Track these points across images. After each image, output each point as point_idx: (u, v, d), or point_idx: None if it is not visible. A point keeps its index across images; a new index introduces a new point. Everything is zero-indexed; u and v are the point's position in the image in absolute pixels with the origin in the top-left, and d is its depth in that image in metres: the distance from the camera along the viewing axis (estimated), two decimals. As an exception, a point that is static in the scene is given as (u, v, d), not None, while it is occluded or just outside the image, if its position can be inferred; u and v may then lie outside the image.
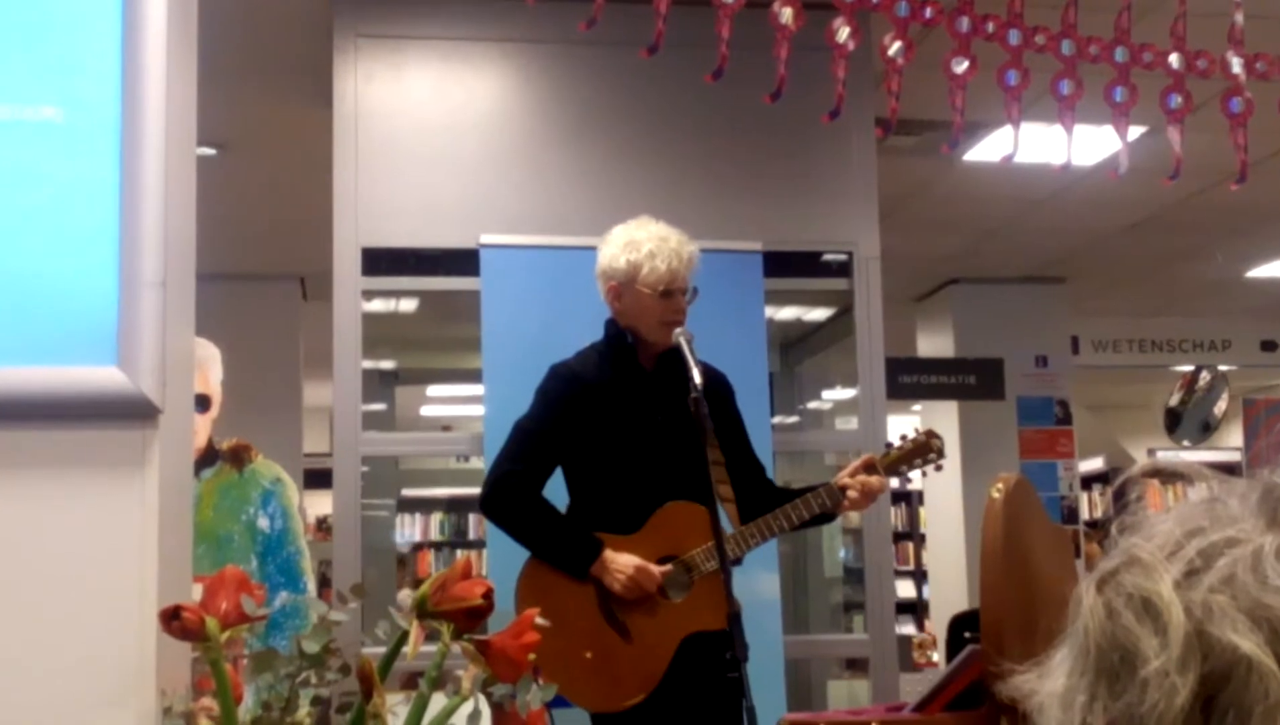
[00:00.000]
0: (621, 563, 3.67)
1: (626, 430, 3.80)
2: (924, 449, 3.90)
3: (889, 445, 3.95)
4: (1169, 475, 0.99)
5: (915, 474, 4.00)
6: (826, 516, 3.88)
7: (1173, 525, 0.87)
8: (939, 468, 3.95)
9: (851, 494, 3.79)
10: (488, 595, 1.87)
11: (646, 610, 3.71)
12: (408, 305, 6.45)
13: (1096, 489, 13.49)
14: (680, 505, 3.73)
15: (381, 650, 1.93)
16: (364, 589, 2.05)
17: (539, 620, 1.94)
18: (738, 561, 3.70)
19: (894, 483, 4.04)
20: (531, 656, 1.91)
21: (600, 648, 3.68)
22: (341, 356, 4.97)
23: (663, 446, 3.77)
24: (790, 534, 4.09)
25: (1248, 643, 0.79)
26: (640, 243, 3.81)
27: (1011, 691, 0.93)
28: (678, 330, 3.70)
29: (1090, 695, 0.84)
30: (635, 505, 3.76)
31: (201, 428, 4.38)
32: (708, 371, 3.90)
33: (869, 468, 3.84)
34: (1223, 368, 11.65)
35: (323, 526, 11.19)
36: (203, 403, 4.38)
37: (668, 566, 3.72)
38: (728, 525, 3.68)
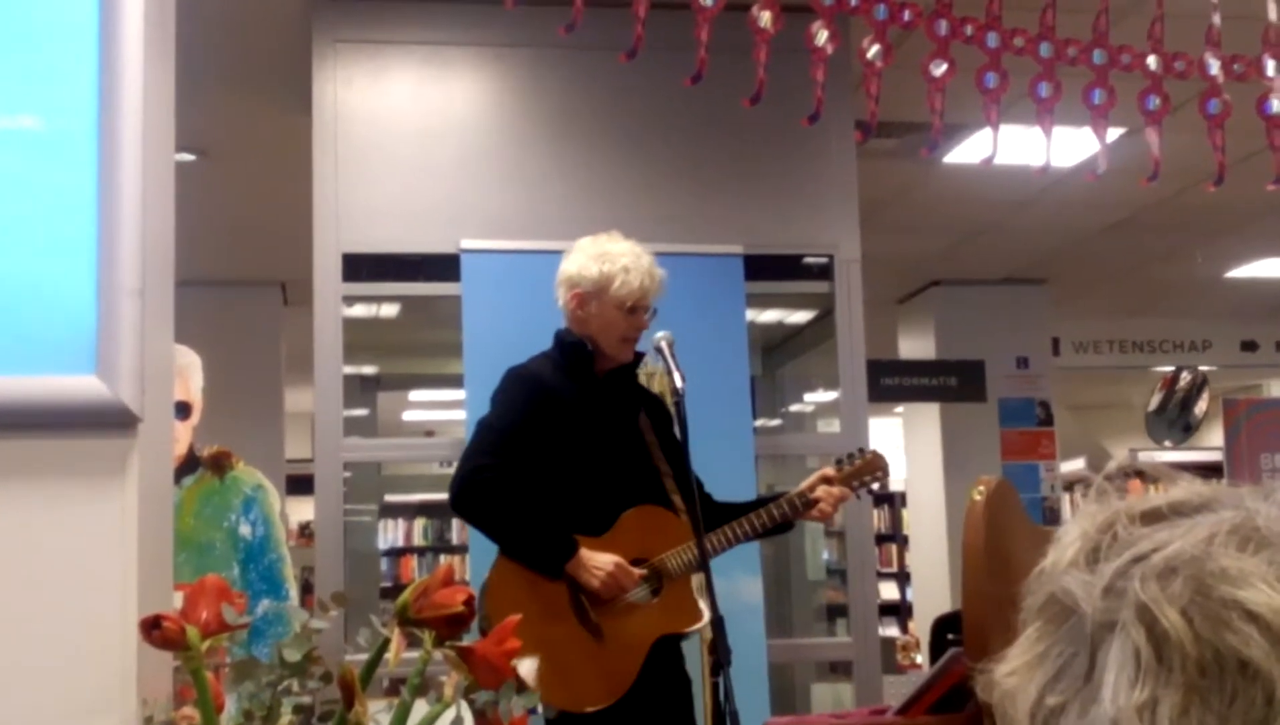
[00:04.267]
0: (600, 560, 3.67)
1: (587, 436, 3.80)
2: (872, 467, 3.97)
3: (839, 461, 3.99)
4: (1145, 476, 0.98)
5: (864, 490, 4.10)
6: (784, 526, 3.92)
7: (1228, 532, 0.84)
8: (883, 487, 4.12)
9: (823, 507, 3.86)
10: (469, 602, 1.87)
11: (619, 612, 3.70)
12: (389, 310, 6.44)
13: (1078, 490, 13.51)
14: (647, 509, 3.75)
15: (363, 658, 1.93)
16: (346, 597, 2.04)
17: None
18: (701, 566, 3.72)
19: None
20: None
21: (572, 648, 3.67)
22: (323, 362, 4.96)
23: (619, 455, 3.80)
24: (763, 539, 4.12)
25: None
26: (615, 256, 3.82)
27: (985, 689, 0.91)
28: (659, 334, 3.71)
29: (1182, 710, 0.80)
30: (596, 511, 3.76)
31: (182, 435, 4.37)
32: (647, 393, 3.97)
33: (828, 479, 3.90)
34: (1203, 368, 11.70)
35: (305, 533, 11.18)
36: (183, 410, 4.37)
37: (642, 570, 3.72)
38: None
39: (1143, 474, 0.98)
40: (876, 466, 3.97)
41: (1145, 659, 0.81)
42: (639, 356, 3.93)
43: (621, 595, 3.70)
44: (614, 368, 3.88)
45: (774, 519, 3.81)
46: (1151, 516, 0.88)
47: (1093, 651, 0.84)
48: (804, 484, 3.88)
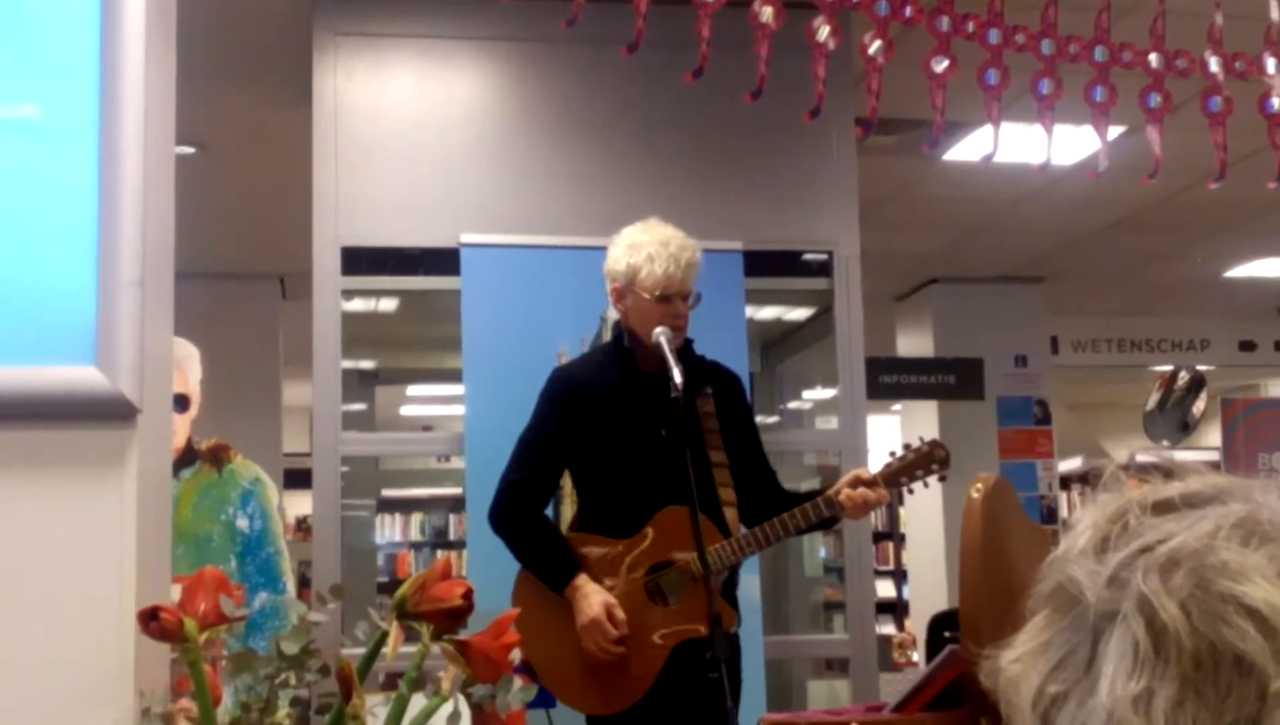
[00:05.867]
0: (589, 604, 3.65)
1: (624, 433, 3.78)
2: (926, 459, 3.82)
3: (891, 454, 3.87)
4: (1162, 470, 0.97)
5: (917, 485, 3.90)
6: (826, 522, 3.84)
7: (1232, 526, 0.84)
8: (943, 478, 3.84)
9: (849, 510, 3.74)
10: (467, 596, 1.87)
11: (641, 616, 3.69)
12: (388, 305, 6.44)
13: (1075, 489, 13.53)
14: (676, 510, 3.68)
15: (361, 651, 1.93)
16: (343, 590, 2.04)
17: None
18: (735, 567, 3.69)
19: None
20: (515, 656, 1.91)
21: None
22: (321, 356, 4.95)
23: (662, 449, 3.71)
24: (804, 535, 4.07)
25: None
26: (642, 246, 3.79)
27: (989, 673, 0.91)
28: (657, 329, 3.68)
29: (1175, 703, 0.80)
30: (634, 508, 3.74)
31: (180, 428, 4.37)
32: (718, 371, 3.92)
33: (857, 482, 3.76)
34: (1201, 368, 11.70)
35: (302, 527, 11.17)
36: (182, 402, 4.37)
37: (623, 632, 3.69)
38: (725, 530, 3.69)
39: (1161, 469, 0.97)
40: (933, 458, 3.81)
41: (1144, 650, 0.82)
42: (689, 342, 3.86)
43: (638, 604, 3.69)
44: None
45: (809, 521, 3.73)
46: (1163, 507, 0.88)
47: (1094, 641, 0.84)
48: (836, 485, 3.79)
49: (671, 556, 3.71)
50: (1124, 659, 0.83)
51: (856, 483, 3.76)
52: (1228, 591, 0.81)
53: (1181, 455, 12.04)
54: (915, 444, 3.86)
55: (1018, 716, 0.88)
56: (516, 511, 3.80)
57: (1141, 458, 12.40)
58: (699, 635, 3.63)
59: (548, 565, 3.75)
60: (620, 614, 3.65)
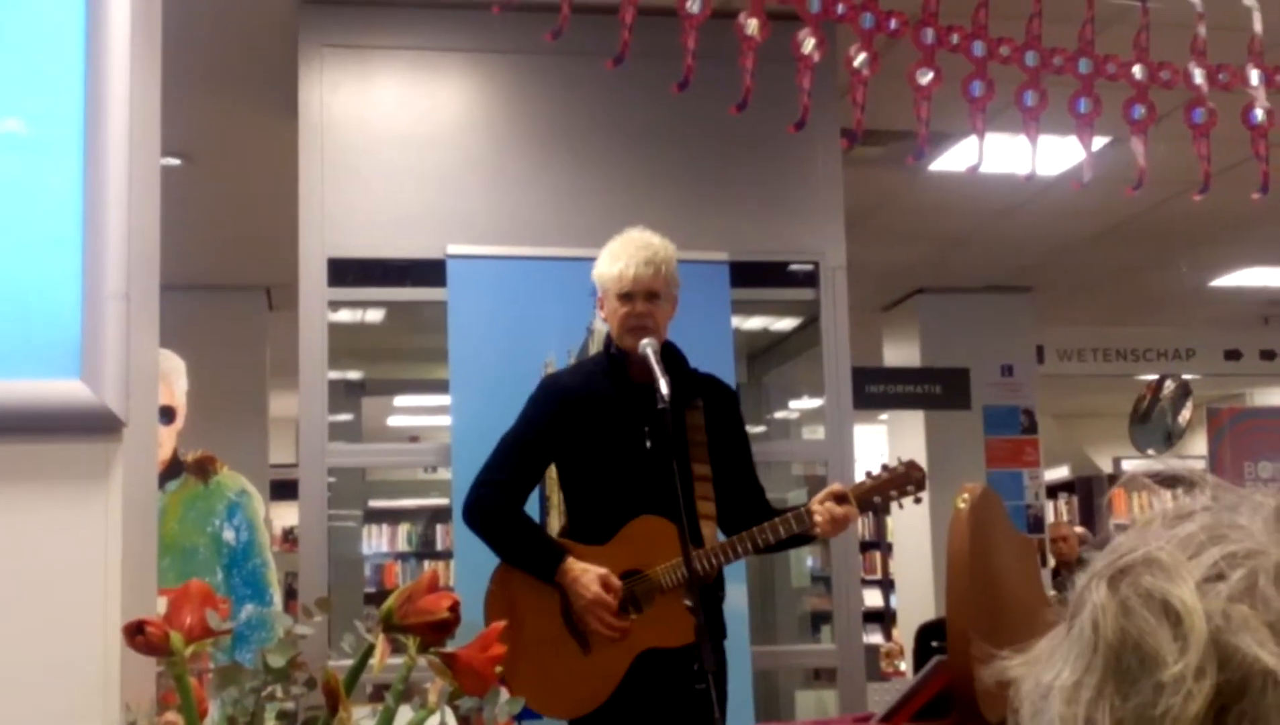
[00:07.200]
0: (585, 582, 3.65)
1: (609, 443, 3.78)
2: (902, 480, 3.79)
3: (869, 473, 3.85)
4: (1168, 479, 0.99)
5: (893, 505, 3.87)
6: (805, 538, 3.81)
7: (1190, 530, 0.86)
8: (917, 500, 3.82)
9: (818, 519, 3.69)
10: (454, 608, 1.86)
11: None
12: (374, 316, 6.43)
13: (1062, 498, 13.55)
14: (649, 520, 3.69)
15: (348, 663, 1.92)
16: (330, 602, 2.04)
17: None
18: (707, 578, 3.67)
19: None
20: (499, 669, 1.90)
21: (558, 656, 3.68)
22: (308, 367, 4.95)
23: (643, 458, 3.72)
24: (778, 552, 4.06)
25: (1270, 656, 0.79)
26: (609, 249, 3.82)
27: (997, 675, 0.93)
28: (644, 341, 3.68)
29: (1097, 692, 0.84)
30: (615, 517, 3.74)
31: (166, 440, 4.36)
32: (712, 383, 3.90)
33: (837, 497, 3.73)
34: (1187, 377, 11.72)
35: (289, 538, 11.15)
36: (167, 414, 4.36)
37: (610, 600, 3.67)
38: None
39: (1185, 480, 0.98)
40: (908, 479, 3.79)
41: (1083, 646, 0.86)
42: (682, 355, 3.86)
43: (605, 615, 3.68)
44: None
45: (778, 536, 3.70)
46: (1177, 518, 0.90)
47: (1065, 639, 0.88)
48: (812, 500, 3.76)
49: (641, 566, 3.71)
50: (1070, 654, 0.87)
51: (829, 498, 3.72)
52: (1149, 589, 0.84)
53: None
54: (893, 464, 3.85)
55: (1020, 712, 0.91)
56: (491, 507, 3.79)
57: (1128, 464, 12.41)
58: (662, 646, 3.64)
59: (532, 555, 3.74)
60: (615, 581, 3.65)
